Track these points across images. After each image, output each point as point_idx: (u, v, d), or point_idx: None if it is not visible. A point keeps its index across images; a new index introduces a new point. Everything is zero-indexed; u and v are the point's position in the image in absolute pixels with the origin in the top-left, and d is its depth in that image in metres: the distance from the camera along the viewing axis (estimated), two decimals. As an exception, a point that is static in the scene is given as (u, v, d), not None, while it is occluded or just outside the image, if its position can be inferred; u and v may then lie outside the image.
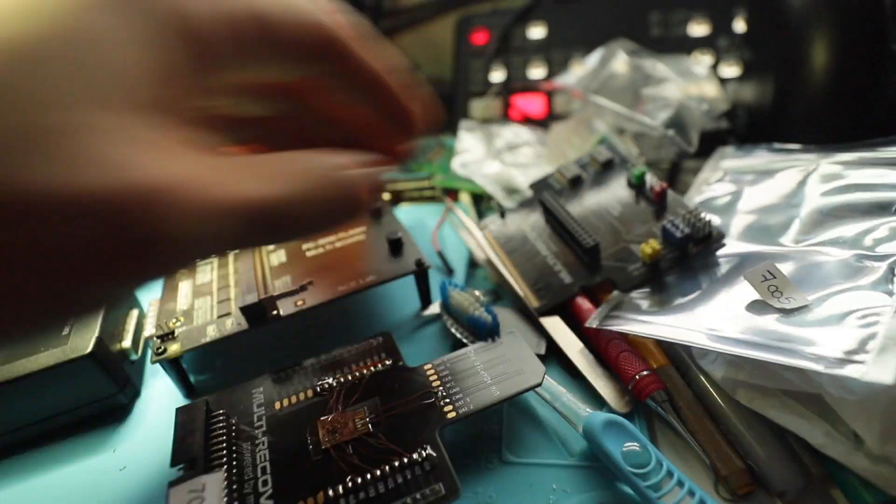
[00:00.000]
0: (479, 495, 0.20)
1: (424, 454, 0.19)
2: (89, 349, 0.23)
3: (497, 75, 0.49)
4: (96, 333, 0.24)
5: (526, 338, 0.26)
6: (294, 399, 0.22)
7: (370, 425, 0.21)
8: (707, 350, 0.22)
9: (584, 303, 0.27)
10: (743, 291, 0.22)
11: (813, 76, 0.32)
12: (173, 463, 0.20)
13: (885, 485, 0.17)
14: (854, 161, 0.26)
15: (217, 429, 0.21)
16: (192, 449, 0.20)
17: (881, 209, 0.23)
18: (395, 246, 0.28)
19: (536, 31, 0.50)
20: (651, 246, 0.25)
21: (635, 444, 0.20)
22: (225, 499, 0.18)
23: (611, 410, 0.23)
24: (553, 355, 0.26)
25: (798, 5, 0.32)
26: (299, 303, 0.26)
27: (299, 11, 0.16)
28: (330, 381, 0.23)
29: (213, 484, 0.19)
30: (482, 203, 0.38)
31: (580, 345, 0.26)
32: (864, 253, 0.22)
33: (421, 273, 0.28)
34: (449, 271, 0.32)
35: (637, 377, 0.22)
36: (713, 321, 0.22)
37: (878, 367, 0.16)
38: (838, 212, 0.24)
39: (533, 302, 0.27)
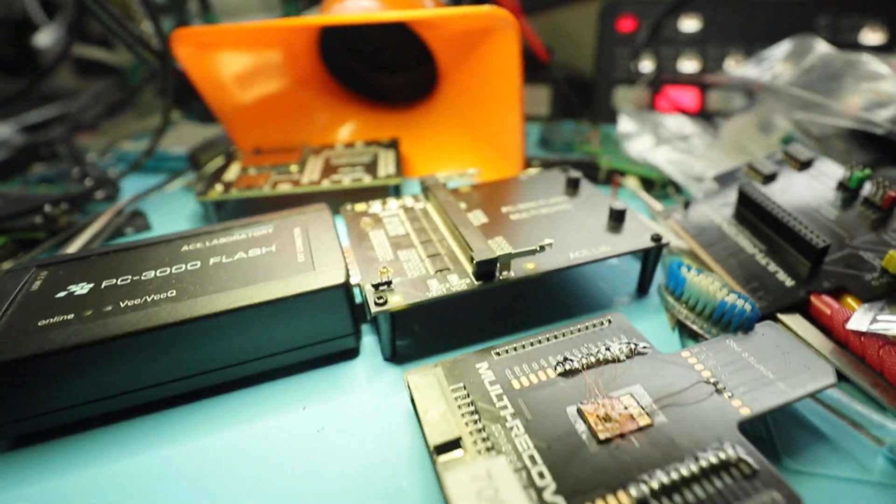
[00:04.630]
0: None
1: (734, 454, 0.16)
2: (342, 279, 0.20)
3: (646, 65, 0.47)
4: (343, 262, 0.21)
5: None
6: (535, 378, 0.20)
7: (647, 415, 0.18)
8: None
9: (831, 303, 0.24)
10: None
11: None
12: (436, 444, 0.17)
13: None
14: None
15: (463, 403, 0.18)
16: (452, 426, 0.17)
17: None
18: (619, 218, 0.25)
19: (690, 24, 0.47)
20: None
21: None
22: (519, 489, 0.15)
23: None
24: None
25: None
26: (530, 266, 0.23)
27: None
28: (573, 361, 0.20)
29: (501, 471, 0.16)
30: (652, 189, 0.35)
31: (831, 345, 0.23)
32: None
33: (657, 249, 0.25)
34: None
35: (937, 389, 0.19)
36: None
37: None
38: None
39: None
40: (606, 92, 0.47)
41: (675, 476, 0.16)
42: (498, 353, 0.21)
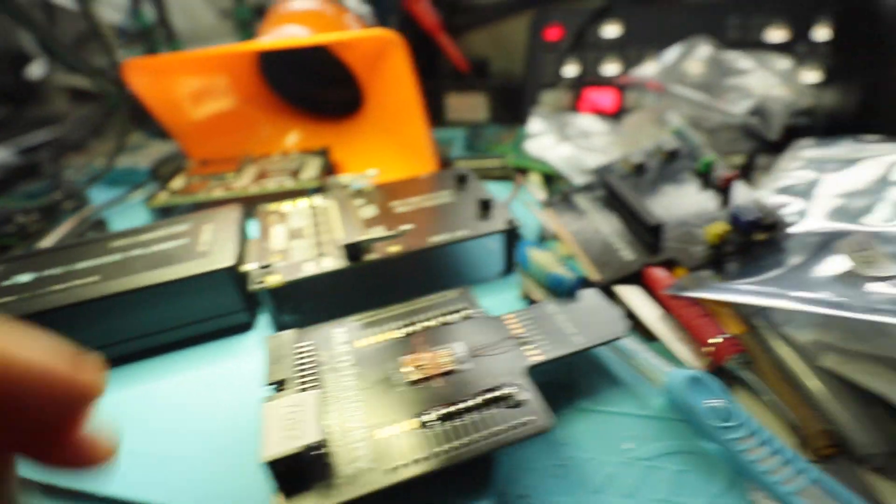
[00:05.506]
0: (552, 435, 0.21)
1: (515, 389, 0.20)
2: (230, 263, 0.25)
3: (570, 69, 0.51)
4: (236, 250, 0.26)
5: (601, 301, 0.27)
6: (379, 339, 0.24)
7: (456, 364, 0.22)
8: (792, 316, 0.22)
9: (659, 272, 0.27)
10: (833, 263, 0.22)
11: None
12: (268, 383, 0.21)
13: None
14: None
15: (306, 356, 0.22)
16: (282, 371, 0.21)
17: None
18: (486, 206, 0.29)
19: (611, 30, 0.51)
20: (718, 228, 0.26)
21: (720, 399, 0.20)
22: (318, 416, 0.19)
23: (687, 372, 0.23)
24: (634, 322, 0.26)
25: (892, 9, 0.32)
26: (394, 249, 0.27)
27: None
28: (415, 325, 0.24)
29: (308, 402, 0.20)
30: (553, 183, 0.39)
31: (658, 311, 0.26)
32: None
33: (512, 232, 0.29)
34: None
35: (716, 340, 0.23)
36: (804, 288, 0.22)
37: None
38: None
39: (594, 275, 0.28)
40: (534, 95, 0.51)
41: (459, 406, 0.20)
42: (360, 320, 0.25)
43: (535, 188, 0.38)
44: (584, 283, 0.25)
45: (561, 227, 0.32)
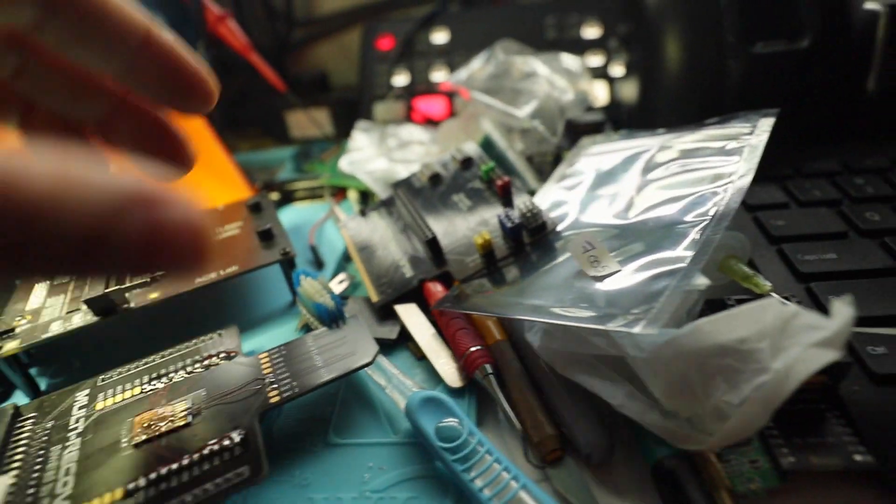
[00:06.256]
0: (296, 478, 0.20)
1: (236, 440, 0.19)
2: None
3: (401, 79, 0.50)
4: None
5: (376, 325, 0.27)
6: (119, 398, 0.22)
7: (190, 416, 0.20)
8: (533, 323, 0.22)
9: (434, 287, 0.27)
10: (571, 265, 0.23)
11: (668, 68, 0.33)
12: None
13: (672, 438, 0.18)
14: (687, 141, 0.27)
15: (22, 433, 0.21)
16: None
17: (700, 181, 0.24)
18: (266, 237, 0.28)
19: (440, 37, 0.51)
20: (482, 237, 0.26)
21: (452, 419, 0.20)
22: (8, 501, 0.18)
23: (446, 388, 0.23)
24: (409, 340, 0.26)
25: (652, 6, 0.34)
26: (153, 295, 0.26)
27: None
28: (162, 377, 0.23)
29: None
30: (370, 200, 0.39)
31: (433, 329, 0.26)
32: (684, 220, 0.23)
33: (287, 262, 0.28)
34: (319, 265, 0.32)
35: (467, 352, 0.23)
36: (539, 295, 0.22)
37: (650, 322, 0.17)
38: (666, 186, 0.25)
39: (374, 297, 0.28)
40: (368, 108, 0.50)
41: (173, 467, 0.18)
42: (106, 378, 0.23)
43: (355, 206, 0.38)
44: (337, 312, 0.24)
45: (351, 248, 0.31)
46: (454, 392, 0.23)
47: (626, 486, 0.19)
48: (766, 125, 0.25)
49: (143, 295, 0.26)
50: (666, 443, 0.18)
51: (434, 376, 0.24)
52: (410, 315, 0.26)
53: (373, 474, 0.20)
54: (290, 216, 0.39)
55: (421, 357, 0.25)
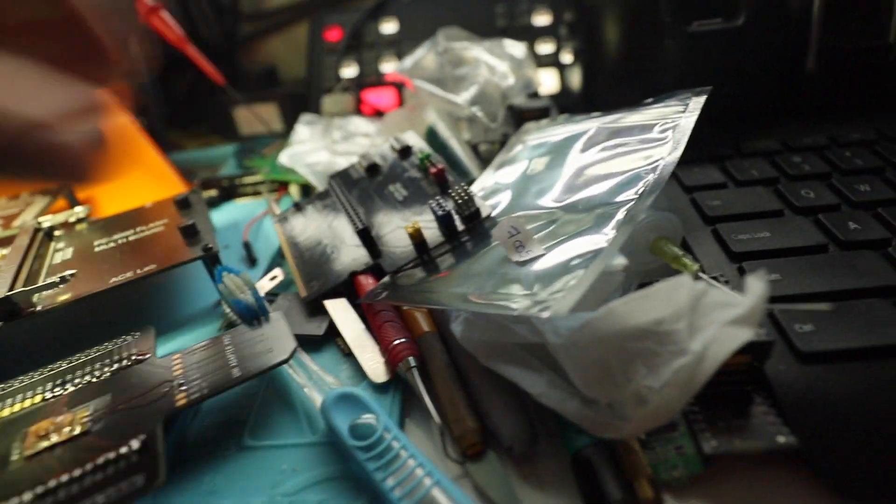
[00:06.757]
0: (204, 484, 0.19)
1: (134, 447, 0.18)
2: None
3: (350, 71, 0.49)
4: None
5: (304, 321, 0.25)
6: (18, 407, 0.21)
7: (90, 424, 0.19)
8: (458, 313, 0.22)
9: (366, 280, 0.26)
10: (500, 252, 0.22)
11: (607, 51, 0.33)
12: None
13: (591, 427, 0.17)
14: (623, 122, 0.27)
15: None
16: None
17: (632, 162, 0.24)
18: (189, 233, 0.27)
19: (389, 27, 0.50)
20: (413, 226, 0.25)
21: (370, 416, 0.19)
22: None
23: (372, 384, 0.22)
24: (338, 336, 0.25)
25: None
26: (63, 297, 0.24)
27: None
28: (67, 384, 0.21)
29: None
30: (311, 194, 0.37)
31: (362, 324, 0.25)
32: (613, 201, 0.22)
33: (210, 258, 0.26)
34: (252, 262, 0.31)
35: (391, 345, 0.22)
36: (461, 283, 0.21)
37: (559, 304, 0.16)
38: (600, 167, 0.25)
39: (302, 292, 0.26)
40: (317, 102, 0.49)
41: (61, 479, 0.17)
42: (3, 388, 0.22)
43: (272, 203, 0.36)
44: (258, 308, 0.23)
45: (284, 243, 0.30)
46: (380, 388, 0.22)
47: (548, 480, 0.18)
48: (697, 104, 0.24)
49: (52, 297, 0.24)
50: (587, 432, 0.17)
51: (361, 373, 0.23)
52: (339, 310, 0.25)
53: (285, 477, 0.19)
54: (231, 213, 0.37)
55: (348, 353, 0.24)
